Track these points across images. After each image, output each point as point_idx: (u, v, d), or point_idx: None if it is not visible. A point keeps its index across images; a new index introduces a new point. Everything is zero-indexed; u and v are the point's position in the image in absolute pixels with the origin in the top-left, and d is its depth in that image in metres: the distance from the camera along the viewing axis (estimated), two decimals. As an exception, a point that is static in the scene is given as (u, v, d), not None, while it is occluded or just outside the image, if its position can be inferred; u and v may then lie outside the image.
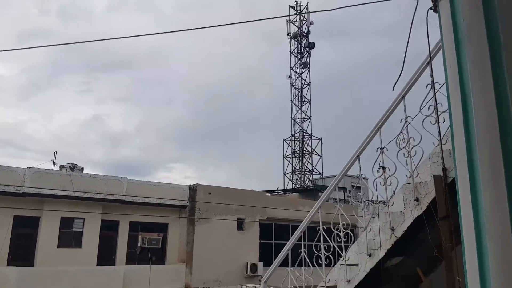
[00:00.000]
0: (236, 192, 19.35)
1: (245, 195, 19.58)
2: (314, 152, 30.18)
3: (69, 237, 15.85)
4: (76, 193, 15.67)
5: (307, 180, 29.48)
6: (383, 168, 4.30)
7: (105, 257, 16.61)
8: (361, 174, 4.57)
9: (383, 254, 4.15)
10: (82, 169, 18.16)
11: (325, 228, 4.96)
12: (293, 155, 30.24)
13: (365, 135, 4.67)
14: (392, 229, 4.12)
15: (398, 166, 4.21)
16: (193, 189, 18.63)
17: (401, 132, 4.22)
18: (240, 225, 19.01)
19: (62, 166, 18.19)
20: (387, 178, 4.27)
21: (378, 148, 4.40)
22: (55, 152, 20.43)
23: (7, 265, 14.43)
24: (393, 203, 4.25)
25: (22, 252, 15.19)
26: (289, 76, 32.51)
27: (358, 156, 4.59)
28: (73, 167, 17.84)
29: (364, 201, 4.63)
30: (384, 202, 4.61)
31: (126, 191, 16.93)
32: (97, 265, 16.00)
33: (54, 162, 19.58)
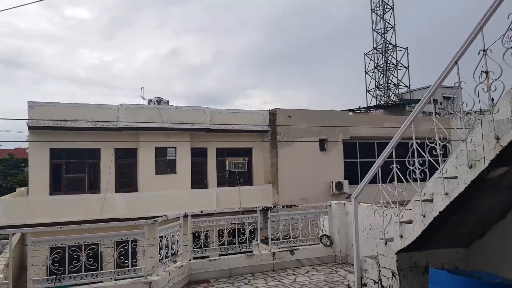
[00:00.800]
0: (316, 114, 19.16)
1: (326, 115, 19.35)
2: (399, 64, 28.26)
3: (165, 164, 17.18)
4: (165, 124, 16.63)
5: (392, 95, 28.06)
6: (487, 72, 3.84)
7: (198, 181, 17.89)
8: (460, 82, 4.14)
9: (486, 165, 3.86)
10: (168, 102, 19.07)
11: (418, 142, 4.71)
12: (375, 70, 28.64)
13: (459, 41, 4.14)
14: (497, 138, 3.77)
15: (504, 68, 3.73)
16: (273, 114, 18.78)
17: (509, 29, 3.67)
18: (322, 145, 19.02)
19: (150, 101, 19.25)
20: (491, 83, 3.82)
21: (480, 50, 3.91)
22: (142, 88, 21.74)
23: (115, 191, 16.20)
24: (498, 110, 3.84)
25: (126, 180, 16.88)
26: (366, -17, 29.83)
27: (456, 62, 4.14)
28: (159, 101, 18.80)
29: (464, 111, 4.22)
30: (484, 111, 4.19)
31: (210, 120, 17.60)
32: (192, 188, 17.33)
33: (142, 97, 20.82)
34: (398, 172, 5.15)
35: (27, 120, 15.13)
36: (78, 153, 16.23)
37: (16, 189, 22.75)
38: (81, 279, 5.79)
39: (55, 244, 5.86)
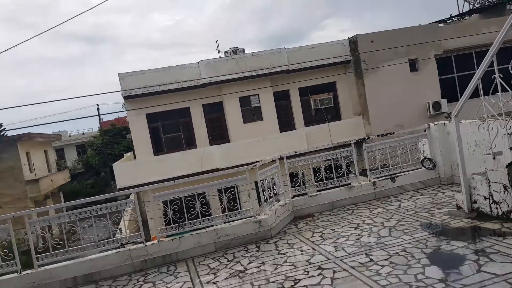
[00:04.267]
0: (401, 33, 17.65)
1: (413, 32, 17.70)
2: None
3: (250, 113, 17.57)
4: (245, 73, 16.79)
5: (488, -5, 24.74)
6: None
7: (285, 124, 18.06)
8: None
9: None
10: (243, 50, 19.09)
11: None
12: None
13: None
14: None
15: None
16: (353, 42, 17.87)
17: None
18: (413, 66, 17.67)
19: (226, 52, 19.45)
20: None
21: None
22: (217, 41, 21.91)
23: (210, 145, 17.10)
24: None
25: (217, 132, 17.66)
26: None
27: None
28: (235, 51, 18.89)
29: None
30: None
31: (288, 61, 17.33)
32: (280, 132, 17.57)
33: (218, 50, 21.10)
34: (502, 81, 4.75)
35: (121, 91, 16.29)
36: (171, 114, 17.20)
37: (124, 154, 25.08)
38: (200, 224, 6.44)
39: (174, 197, 6.50)
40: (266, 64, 17.07)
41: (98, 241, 6.14)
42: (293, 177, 7.74)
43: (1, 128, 33.83)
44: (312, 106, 18.21)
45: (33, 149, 27.19)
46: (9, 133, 26.39)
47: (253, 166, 6.65)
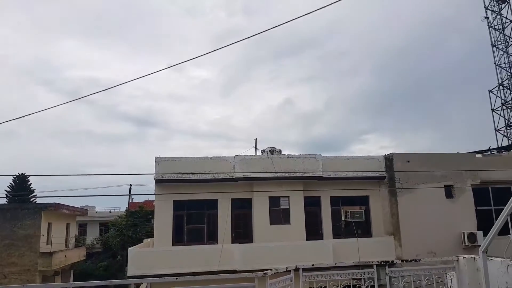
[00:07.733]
0: (438, 157, 17.60)
1: (450, 159, 17.63)
2: (533, 99, 25.10)
3: (278, 214, 17.16)
4: (278, 174, 16.80)
5: (527, 133, 24.78)
6: None
7: (313, 231, 17.40)
8: None
9: None
10: (280, 151, 19.37)
11: None
12: (504, 107, 25.83)
13: None
14: None
15: None
16: (389, 159, 17.79)
17: None
18: (448, 192, 17.19)
19: (263, 151, 19.81)
20: None
21: None
22: (256, 139, 22.52)
23: (232, 242, 16.55)
24: None
25: (242, 230, 17.20)
26: (485, 17, 28.07)
27: None
28: (272, 151, 19.19)
29: None
30: None
31: (322, 168, 17.31)
32: (307, 239, 16.88)
33: (255, 148, 21.58)
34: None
35: (154, 174, 16.58)
36: (198, 204, 17.03)
37: (144, 240, 24.66)
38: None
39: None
40: (300, 168, 17.08)
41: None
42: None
43: (32, 194, 34.82)
44: (343, 218, 17.66)
45: (56, 221, 26.99)
46: (38, 200, 26.85)
47: (264, 274, 6.22)
